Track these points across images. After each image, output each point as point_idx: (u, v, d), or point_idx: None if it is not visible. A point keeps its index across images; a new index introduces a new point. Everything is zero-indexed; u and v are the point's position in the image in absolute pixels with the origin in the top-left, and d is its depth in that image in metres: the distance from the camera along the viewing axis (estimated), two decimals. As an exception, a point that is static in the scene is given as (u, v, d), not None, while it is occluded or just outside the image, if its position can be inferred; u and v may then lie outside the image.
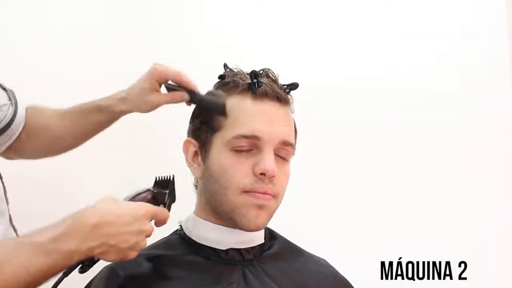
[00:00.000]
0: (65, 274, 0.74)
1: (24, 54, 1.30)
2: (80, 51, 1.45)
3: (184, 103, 0.94)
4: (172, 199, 0.85)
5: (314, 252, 1.01)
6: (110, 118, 1.02)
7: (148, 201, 0.81)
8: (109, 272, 0.84)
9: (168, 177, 0.85)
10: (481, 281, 1.33)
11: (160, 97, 0.95)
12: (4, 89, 1.01)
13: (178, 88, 0.92)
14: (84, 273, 0.76)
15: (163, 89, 0.96)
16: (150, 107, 0.96)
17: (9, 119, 0.99)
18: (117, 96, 0.99)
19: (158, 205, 0.82)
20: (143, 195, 0.82)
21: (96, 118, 1.01)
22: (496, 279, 1.33)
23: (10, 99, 1.00)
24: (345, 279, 0.98)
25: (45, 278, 0.67)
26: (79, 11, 1.48)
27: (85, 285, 0.86)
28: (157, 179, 0.85)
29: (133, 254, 0.74)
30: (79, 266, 0.75)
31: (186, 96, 0.91)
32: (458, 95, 1.41)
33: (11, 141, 1.00)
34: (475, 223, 1.36)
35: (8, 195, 0.91)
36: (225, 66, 0.94)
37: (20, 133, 1.01)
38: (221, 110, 0.86)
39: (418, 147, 1.43)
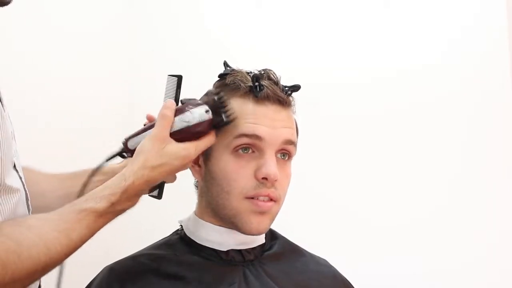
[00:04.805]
0: None
1: (24, 54, 1.30)
2: (81, 51, 1.45)
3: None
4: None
5: (314, 252, 1.01)
6: None
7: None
8: (109, 272, 0.84)
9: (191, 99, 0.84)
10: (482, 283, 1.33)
11: None
12: None
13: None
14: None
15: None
16: None
17: None
18: None
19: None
20: (205, 124, 0.81)
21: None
22: (496, 280, 1.33)
23: None
24: (346, 279, 0.98)
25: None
26: (80, 12, 1.48)
27: (85, 285, 0.86)
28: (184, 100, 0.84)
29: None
30: None
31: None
32: (458, 95, 1.41)
33: None
34: (474, 223, 1.36)
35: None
36: (225, 64, 0.93)
37: None
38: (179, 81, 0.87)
39: (417, 147, 1.43)
